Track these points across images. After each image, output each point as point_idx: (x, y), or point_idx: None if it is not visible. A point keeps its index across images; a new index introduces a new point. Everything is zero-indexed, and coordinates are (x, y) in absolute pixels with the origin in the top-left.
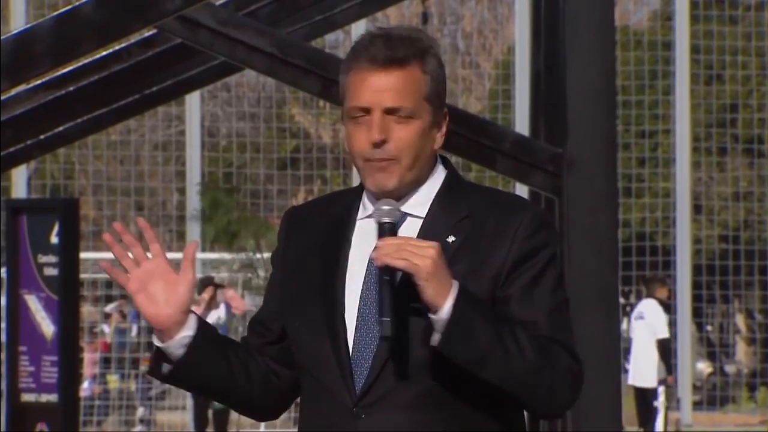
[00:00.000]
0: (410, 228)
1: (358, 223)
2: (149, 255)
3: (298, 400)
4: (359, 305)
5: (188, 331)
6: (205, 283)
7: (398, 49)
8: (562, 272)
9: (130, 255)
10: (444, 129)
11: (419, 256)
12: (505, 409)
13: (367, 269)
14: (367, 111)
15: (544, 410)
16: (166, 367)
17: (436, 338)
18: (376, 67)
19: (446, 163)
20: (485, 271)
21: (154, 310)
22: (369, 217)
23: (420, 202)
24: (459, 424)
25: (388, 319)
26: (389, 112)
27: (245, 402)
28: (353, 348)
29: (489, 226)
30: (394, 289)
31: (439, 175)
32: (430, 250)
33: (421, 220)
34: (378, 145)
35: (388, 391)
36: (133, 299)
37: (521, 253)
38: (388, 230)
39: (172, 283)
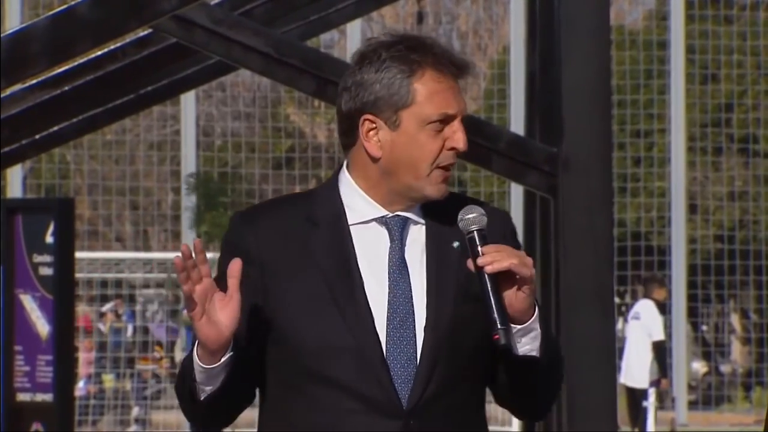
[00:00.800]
0: (414, 233)
1: (352, 229)
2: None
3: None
4: (388, 312)
5: (230, 350)
6: None
7: (459, 58)
8: None
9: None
10: None
11: (527, 266)
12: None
13: (389, 275)
14: (451, 118)
15: (543, 414)
16: (206, 389)
17: (520, 346)
18: (459, 74)
19: None
20: None
21: (216, 333)
22: (366, 222)
23: (415, 207)
24: (474, 426)
25: (506, 327)
26: (462, 120)
27: (227, 416)
28: (387, 356)
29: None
30: (501, 298)
31: None
32: (529, 258)
33: (424, 226)
34: (457, 155)
35: (433, 398)
36: (195, 324)
37: None
38: (483, 238)
39: (222, 303)
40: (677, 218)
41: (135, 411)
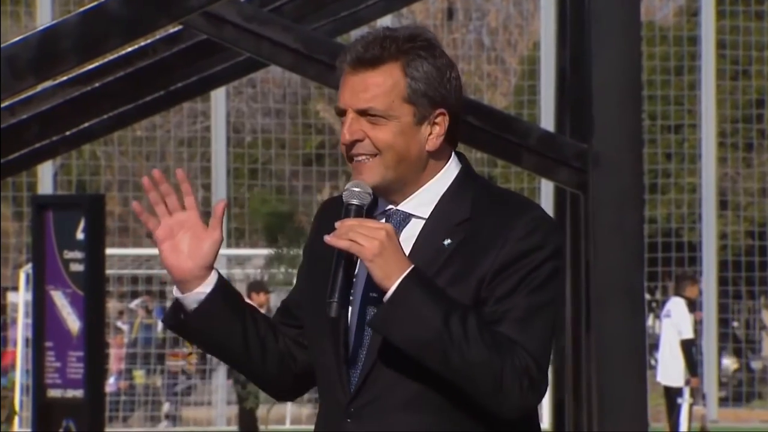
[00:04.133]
0: (412, 229)
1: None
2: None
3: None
4: (358, 308)
5: (206, 287)
6: (255, 288)
7: (373, 49)
8: (556, 278)
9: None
10: (439, 130)
11: (367, 237)
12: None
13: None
14: (342, 112)
15: (494, 408)
16: (177, 317)
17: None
18: (355, 68)
19: (464, 163)
20: (474, 273)
21: (176, 260)
22: (375, 216)
23: (425, 203)
24: (451, 426)
25: (335, 300)
26: (361, 113)
27: (258, 375)
28: (351, 355)
29: (487, 229)
30: (347, 271)
31: (447, 175)
32: (380, 231)
33: (423, 222)
34: (349, 145)
35: (380, 392)
36: (158, 246)
37: (510, 255)
38: (352, 212)
39: (198, 237)
40: (708, 214)
41: (165, 407)
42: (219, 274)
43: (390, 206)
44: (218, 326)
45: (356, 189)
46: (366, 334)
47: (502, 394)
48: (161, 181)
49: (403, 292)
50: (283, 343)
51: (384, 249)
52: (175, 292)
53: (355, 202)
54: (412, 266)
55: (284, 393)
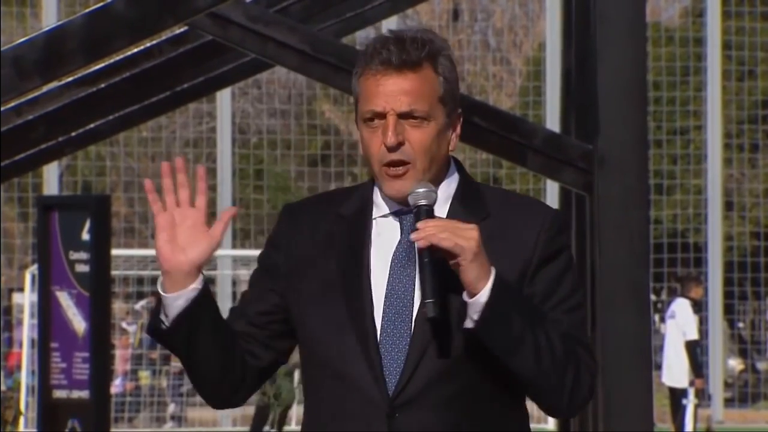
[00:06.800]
0: None
1: (374, 222)
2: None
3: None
4: (384, 305)
5: (197, 284)
6: None
7: (411, 51)
8: (576, 274)
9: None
10: (458, 130)
11: (463, 237)
12: (520, 408)
13: (390, 268)
14: (381, 116)
15: (563, 409)
16: (165, 320)
17: (471, 321)
18: (390, 71)
19: (459, 165)
20: (513, 268)
21: (170, 251)
22: (385, 216)
23: (439, 203)
24: (486, 424)
25: (432, 300)
26: (403, 116)
27: (218, 381)
28: (381, 348)
29: (510, 226)
30: (435, 272)
31: (454, 177)
32: (473, 231)
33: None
34: (393, 149)
35: (421, 390)
36: (156, 233)
37: (547, 253)
38: (426, 213)
39: (198, 235)
40: (713, 215)
41: (171, 408)
42: (204, 278)
43: (400, 207)
44: (204, 327)
45: (422, 190)
46: (396, 335)
47: (574, 395)
48: (181, 170)
49: (498, 295)
50: (240, 348)
51: (480, 249)
52: (161, 288)
53: (424, 202)
54: (494, 268)
55: (231, 402)
